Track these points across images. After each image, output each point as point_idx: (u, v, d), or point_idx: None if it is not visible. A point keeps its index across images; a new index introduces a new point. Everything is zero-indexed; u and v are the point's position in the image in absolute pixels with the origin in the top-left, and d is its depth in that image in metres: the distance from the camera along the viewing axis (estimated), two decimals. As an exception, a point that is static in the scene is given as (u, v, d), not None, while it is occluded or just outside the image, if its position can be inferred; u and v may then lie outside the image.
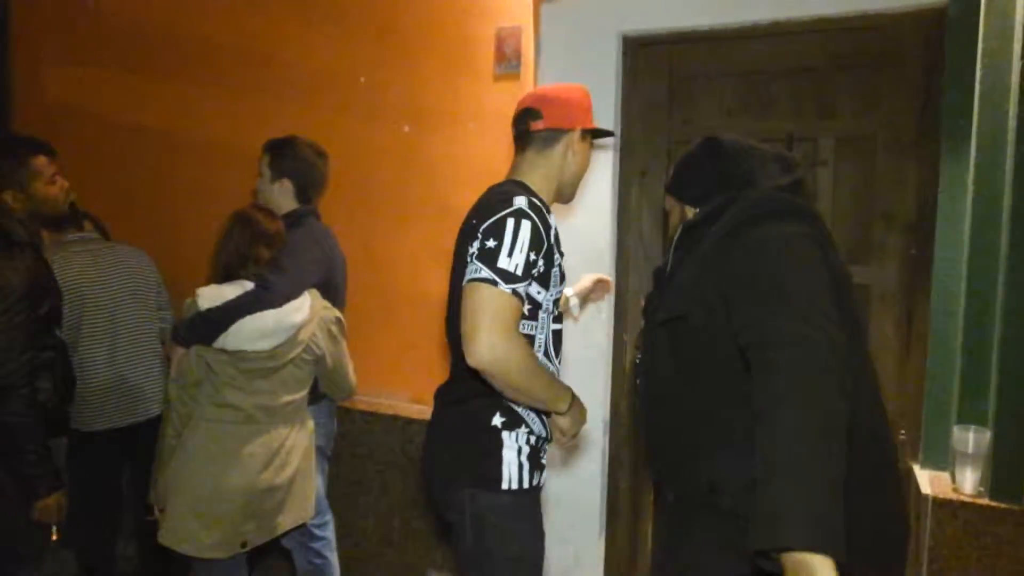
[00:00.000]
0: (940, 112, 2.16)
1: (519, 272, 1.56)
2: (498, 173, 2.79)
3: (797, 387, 1.11)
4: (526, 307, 1.64)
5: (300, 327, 2.18)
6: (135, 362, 2.67)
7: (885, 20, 2.28)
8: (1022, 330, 1.92)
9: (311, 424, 2.37)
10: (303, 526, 2.44)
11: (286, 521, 2.27)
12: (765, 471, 1.10)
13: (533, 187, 1.76)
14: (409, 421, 2.91)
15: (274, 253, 2.21)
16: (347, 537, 2.96)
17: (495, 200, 1.65)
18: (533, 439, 1.72)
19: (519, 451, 1.69)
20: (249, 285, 2.13)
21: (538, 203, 1.65)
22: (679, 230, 1.56)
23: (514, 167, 1.84)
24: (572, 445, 1.89)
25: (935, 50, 2.20)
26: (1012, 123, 1.93)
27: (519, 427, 1.70)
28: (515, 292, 1.55)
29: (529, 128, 1.79)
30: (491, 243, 1.57)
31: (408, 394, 3.04)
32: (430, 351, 2.97)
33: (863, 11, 2.27)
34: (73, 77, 3.72)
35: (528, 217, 1.59)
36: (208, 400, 2.13)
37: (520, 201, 1.61)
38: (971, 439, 1.98)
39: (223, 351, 2.09)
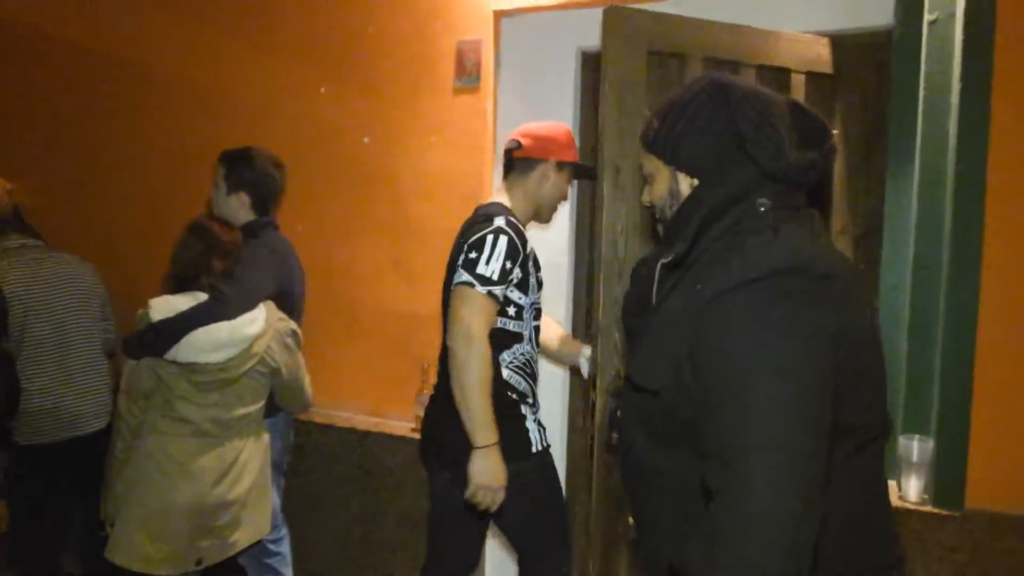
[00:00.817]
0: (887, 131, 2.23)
1: (495, 277, 1.91)
2: (458, 185, 2.82)
3: (733, 558, 1.01)
4: (512, 309, 2.02)
5: (254, 339, 2.16)
6: (78, 376, 2.58)
7: (837, 40, 2.33)
8: (962, 344, 1.99)
9: (267, 437, 2.34)
10: (259, 542, 2.41)
11: (243, 538, 2.24)
12: None
13: (513, 207, 2.11)
14: (366, 434, 2.89)
15: (229, 264, 2.19)
16: (304, 552, 2.92)
17: (479, 220, 2.02)
18: (537, 408, 2.10)
19: (534, 420, 2.07)
20: (203, 296, 2.11)
21: (515, 221, 2.01)
22: (669, 259, 1.25)
23: (499, 188, 2.21)
24: (473, 496, 1.92)
25: (883, 71, 2.26)
26: (952, 143, 2.01)
27: (528, 399, 2.07)
28: (490, 293, 1.91)
29: (512, 156, 2.14)
30: (473, 254, 1.93)
31: (366, 407, 3.02)
32: (389, 364, 2.96)
33: (815, 30, 2.32)
34: (22, 95, 3.67)
35: (505, 233, 1.95)
36: (159, 413, 2.10)
37: (499, 220, 1.97)
38: (915, 448, 2.04)
39: (174, 363, 2.06)
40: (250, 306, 2.18)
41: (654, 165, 1.29)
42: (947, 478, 2.01)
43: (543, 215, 2.21)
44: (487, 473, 1.89)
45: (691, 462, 1.12)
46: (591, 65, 2.70)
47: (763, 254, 1.08)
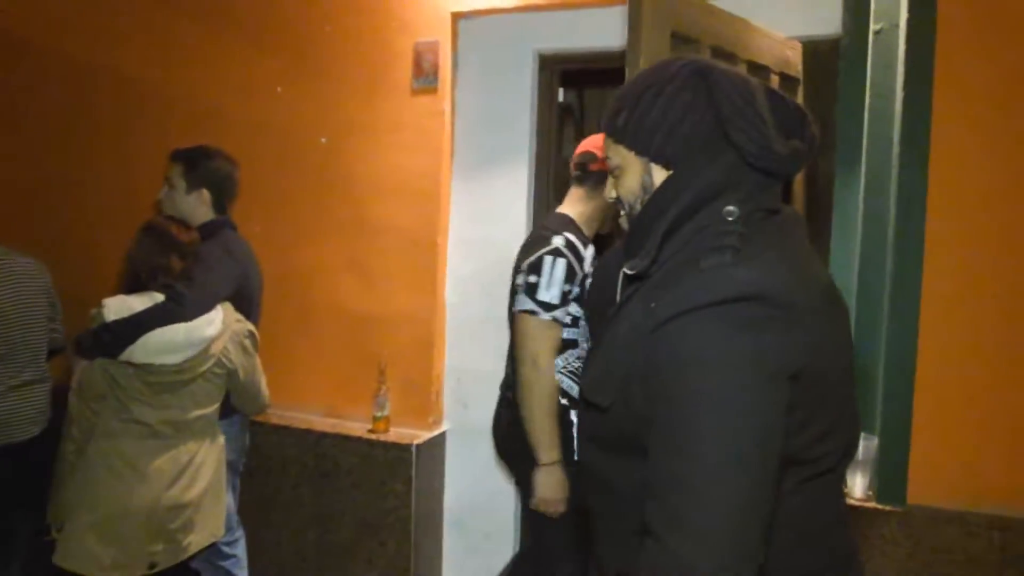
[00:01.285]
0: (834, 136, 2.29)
1: (556, 301, 2.01)
2: (415, 185, 2.82)
3: None
4: (569, 318, 2.06)
5: (211, 341, 2.14)
6: (21, 381, 2.51)
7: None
8: (905, 344, 2.05)
9: (222, 439, 2.32)
10: (213, 544, 2.38)
11: (197, 541, 2.21)
12: None
13: (579, 218, 2.14)
14: (323, 435, 2.88)
15: (186, 264, 2.16)
16: (259, 554, 2.89)
17: (540, 238, 2.08)
18: None
19: None
20: (159, 297, 2.08)
21: (573, 239, 2.05)
22: (632, 272, 1.11)
23: (568, 197, 2.22)
24: (537, 508, 2.10)
25: (831, 78, 2.32)
26: (896, 149, 2.07)
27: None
28: (554, 319, 2.01)
29: (587, 168, 2.14)
30: (532, 278, 2.02)
31: (322, 407, 3.00)
32: (345, 364, 2.95)
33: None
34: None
35: (563, 256, 2.02)
36: (113, 415, 2.06)
37: (557, 240, 2.04)
38: (861, 446, 2.10)
39: (129, 364, 2.03)
40: (208, 307, 2.15)
41: (622, 156, 1.15)
42: (890, 475, 2.07)
43: (607, 224, 2.25)
44: (549, 488, 2.03)
45: (640, 476, 1.02)
46: (547, 67, 2.73)
47: (721, 277, 0.96)
